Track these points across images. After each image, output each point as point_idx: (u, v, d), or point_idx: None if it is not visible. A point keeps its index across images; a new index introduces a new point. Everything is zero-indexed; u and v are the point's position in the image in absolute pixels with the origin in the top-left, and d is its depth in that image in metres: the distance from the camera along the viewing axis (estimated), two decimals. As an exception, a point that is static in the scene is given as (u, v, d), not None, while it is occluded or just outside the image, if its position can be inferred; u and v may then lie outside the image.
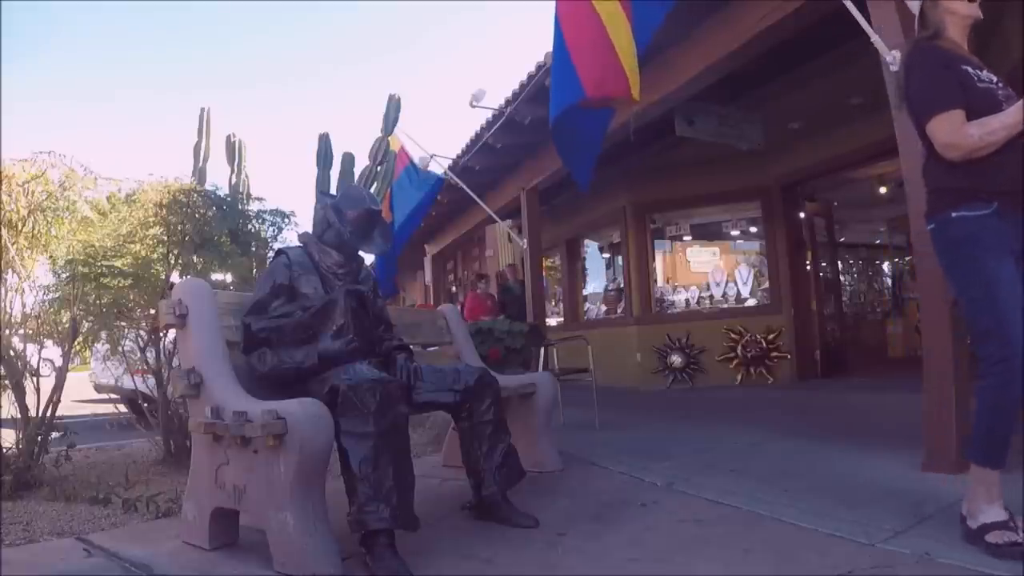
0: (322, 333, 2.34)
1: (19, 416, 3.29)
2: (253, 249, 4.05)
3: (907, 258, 9.41)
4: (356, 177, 5.64)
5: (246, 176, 5.41)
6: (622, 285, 8.33)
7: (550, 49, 4.78)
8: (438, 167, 6.72)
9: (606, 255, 9.28)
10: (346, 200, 2.64)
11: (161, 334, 3.80)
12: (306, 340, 2.34)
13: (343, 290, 2.43)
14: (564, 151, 3.62)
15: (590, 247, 9.65)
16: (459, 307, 6.25)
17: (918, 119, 2.05)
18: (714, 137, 5.41)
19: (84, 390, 5.77)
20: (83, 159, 3.47)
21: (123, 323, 3.76)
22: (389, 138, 6.00)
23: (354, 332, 2.39)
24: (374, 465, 2.04)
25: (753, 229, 7.56)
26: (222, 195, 4.12)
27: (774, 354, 6.79)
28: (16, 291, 3.43)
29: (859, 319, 10.16)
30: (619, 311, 8.48)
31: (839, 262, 9.01)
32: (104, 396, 4.53)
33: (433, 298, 12.80)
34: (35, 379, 3.40)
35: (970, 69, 2.01)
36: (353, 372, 2.17)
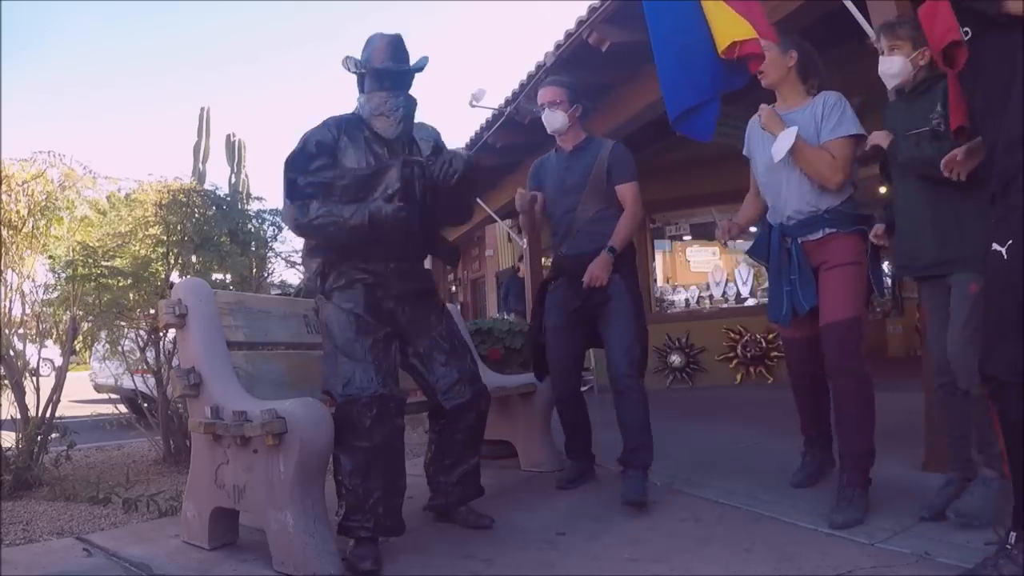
0: (372, 196, 2.26)
1: (19, 416, 3.29)
2: (253, 249, 4.05)
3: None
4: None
5: (246, 176, 5.44)
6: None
7: (550, 49, 4.80)
8: None
9: (606, 255, 9.25)
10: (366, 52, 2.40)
11: (161, 334, 3.80)
12: (355, 200, 2.23)
13: (400, 159, 2.33)
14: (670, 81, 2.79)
15: (590, 247, 9.62)
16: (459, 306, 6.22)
17: None
18: (714, 137, 5.40)
19: (84, 390, 5.77)
20: (82, 158, 3.48)
21: (123, 323, 3.75)
22: None
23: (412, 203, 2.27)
24: (363, 477, 2.06)
25: (753, 229, 7.54)
26: (222, 195, 4.12)
27: (774, 354, 6.77)
28: (16, 291, 3.43)
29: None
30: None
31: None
32: (104, 396, 4.53)
33: (433, 298, 12.75)
34: (35, 379, 3.40)
35: None
36: (351, 385, 2.10)
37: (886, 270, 11.58)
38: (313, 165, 2.26)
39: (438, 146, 2.48)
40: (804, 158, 2.39)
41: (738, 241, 7.78)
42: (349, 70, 2.38)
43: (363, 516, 2.05)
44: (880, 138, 2.27)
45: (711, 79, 2.67)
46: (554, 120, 3.00)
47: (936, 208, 2.17)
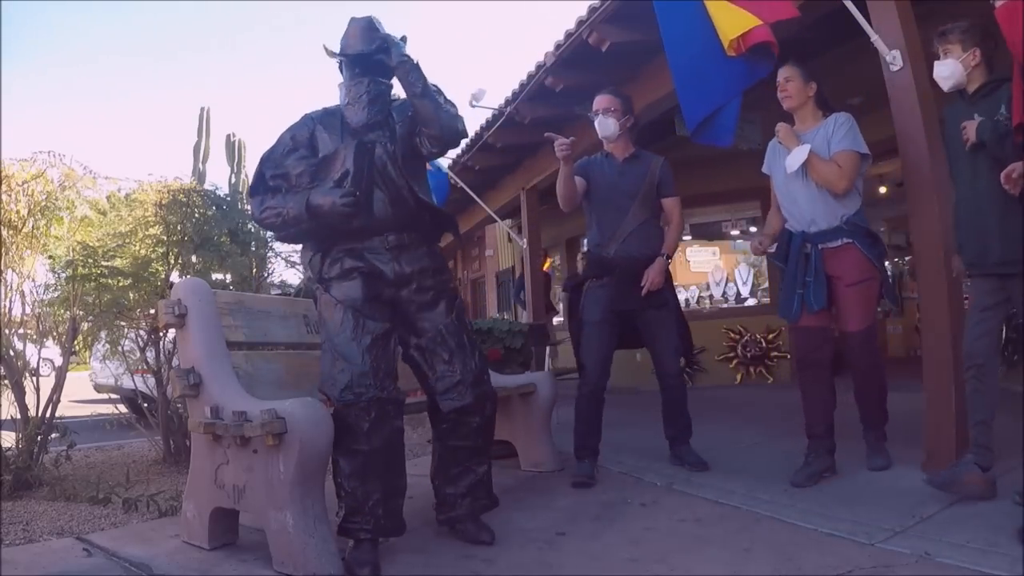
0: (321, 184, 2.19)
1: (19, 416, 3.29)
2: (253, 249, 4.05)
3: (907, 258, 9.39)
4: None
5: (246, 176, 5.44)
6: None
7: (550, 49, 4.80)
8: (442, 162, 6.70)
9: (606, 255, 9.24)
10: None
11: (161, 334, 3.80)
12: (310, 188, 2.18)
13: (353, 142, 2.23)
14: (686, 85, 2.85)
15: (590, 247, 9.62)
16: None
17: None
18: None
19: (84, 390, 5.77)
20: (83, 158, 3.48)
21: (123, 323, 3.76)
22: None
23: (361, 189, 2.16)
24: (361, 480, 2.05)
25: (753, 229, 7.53)
26: (222, 195, 4.12)
27: (774, 354, 6.77)
28: (16, 291, 3.43)
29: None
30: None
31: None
32: (104, 396, 4.53)
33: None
34: (35, 379, 3.40)
35: None
36: (349, 390, 2.06)
37: (888, 270, 11.63)
38: (290, 159, 2.24)
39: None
40: (814, 168, 2.70)
41: (738, 241, 7.84)
42: (332, 59, 2.36)
43: (363, 518, 2.05)
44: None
45: (727, 81, 2.76)
46: (607, 126, 3.15)
47: (1004, 209, 2.22)
